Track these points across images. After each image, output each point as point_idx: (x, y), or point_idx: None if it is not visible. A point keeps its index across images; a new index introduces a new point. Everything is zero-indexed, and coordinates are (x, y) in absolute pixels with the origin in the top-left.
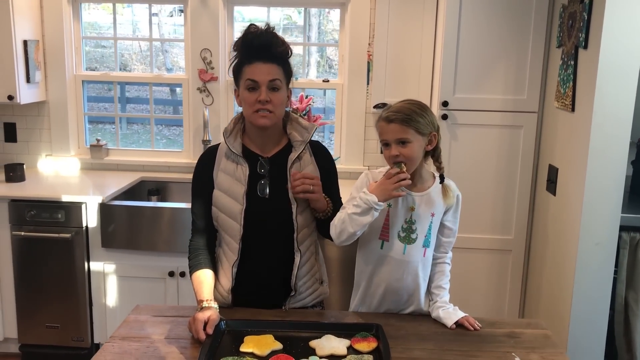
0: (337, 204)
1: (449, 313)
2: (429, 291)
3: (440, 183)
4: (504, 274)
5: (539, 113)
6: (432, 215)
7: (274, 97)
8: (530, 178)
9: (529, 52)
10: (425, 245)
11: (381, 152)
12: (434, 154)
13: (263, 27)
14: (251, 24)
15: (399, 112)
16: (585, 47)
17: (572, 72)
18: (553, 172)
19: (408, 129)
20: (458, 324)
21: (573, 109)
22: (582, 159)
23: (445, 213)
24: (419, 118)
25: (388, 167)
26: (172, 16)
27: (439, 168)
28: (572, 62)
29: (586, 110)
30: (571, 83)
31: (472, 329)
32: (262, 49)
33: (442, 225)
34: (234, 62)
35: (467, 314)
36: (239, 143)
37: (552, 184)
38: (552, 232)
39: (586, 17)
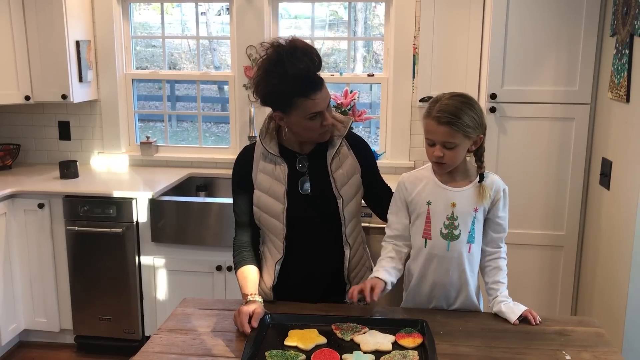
0: (384, 186)
1: (511, 307)
2: (487, 287)
3: (479, 182)
4: (556, 270)
5: (591, 104)
6: (475, 210)
7: (330, 114)
8: (583, 172)
9: (580, 42)
10: (470, 241)
11: None
12: (476, 152)
13: (304, 54)
14: (292, 53)
15: (450, 113)
16: None
17: (627, 62)
18: (607, 166)
19: (457, 134)
20: (521, 319)
21: (628, 100)
22: (637, 151)
23: (491, 208)
24: (469, 122)
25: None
26: (220, 15)
27: (480, 167)
28: (627, 51)
29: None
30: (626, 73)
31: (534, 322)
32: (317, 79)
33: (490, 221)
34: (277, 92)
35: (528, 307)
36: (275, 143)
37: (605, 178)
38: (605, 228)
39: None
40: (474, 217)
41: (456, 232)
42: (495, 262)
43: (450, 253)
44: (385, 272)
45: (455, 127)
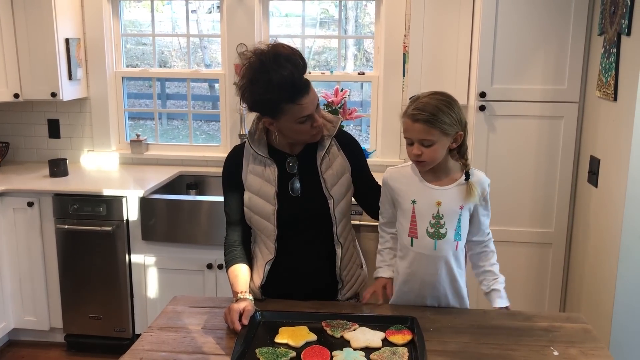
0: (374, 184)
1: (505, 295)
2: (481, 270)
3: (465, 180)
4: (544, 267)
5: (579, 103)
6: (461, 208)
7: (319, 114)
8: (571, 170)
9: (569, 41)
10: (457, 239)
11: None
12: (459, 150)
13: (288, 60)
14: (274, 60)
15: (424, 110)
16: (628, 34)
17: (614, 60)
18: (595, 164)
19: (433, 130)
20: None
21: (615, 98)
22: (624, 149)
23: (479, 204)
24: (445, 118)
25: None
26: (210, 12)
27: (465, 165)
28: (615, 50)
29: (629, 99)
30: (613, 71)
31: None
32: (302, 83)
33: (478, 215)
34: (263, 100)
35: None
36: (264, 144)
37: (593, 176)
38: (593, 225)
39: (629, 2)
40: (460, 215)
41: (442, 231)
42: (486, 247)
43: (437, 252)
44: (388, 269)
45: (430, 124)
